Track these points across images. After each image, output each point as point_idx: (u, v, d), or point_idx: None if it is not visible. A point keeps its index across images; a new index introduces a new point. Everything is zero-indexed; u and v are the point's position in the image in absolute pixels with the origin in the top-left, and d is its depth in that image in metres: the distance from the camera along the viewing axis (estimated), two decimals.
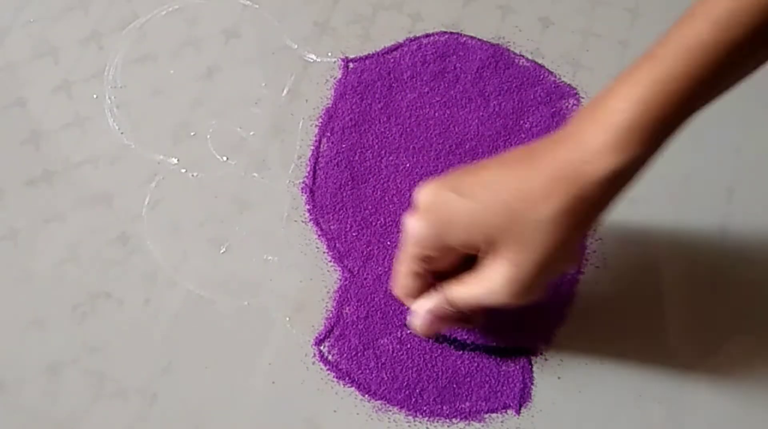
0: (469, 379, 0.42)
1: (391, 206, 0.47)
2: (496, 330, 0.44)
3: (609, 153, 0.31)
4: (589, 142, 0.32)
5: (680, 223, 0.47)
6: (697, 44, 0.31)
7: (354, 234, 0.46)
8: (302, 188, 0.48)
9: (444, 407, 0.42)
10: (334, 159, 0.49)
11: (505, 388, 0.42)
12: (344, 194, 0.48)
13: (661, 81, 0.31)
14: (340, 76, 0.52)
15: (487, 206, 0.33)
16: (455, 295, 0.37)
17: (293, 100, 0.51)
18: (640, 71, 0.32)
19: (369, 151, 0.49)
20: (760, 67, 0.33)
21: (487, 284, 0.34)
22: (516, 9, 0.54)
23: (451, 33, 0.53)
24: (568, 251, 0.34)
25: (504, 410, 0.42)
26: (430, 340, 0.43)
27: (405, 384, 0.42)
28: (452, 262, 0.37)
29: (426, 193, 0.35)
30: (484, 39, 0.53)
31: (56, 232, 0.46)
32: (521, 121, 0.50)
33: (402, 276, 0.38)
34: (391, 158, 0.49)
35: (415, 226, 0.35)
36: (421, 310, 0.38)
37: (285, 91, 0.51)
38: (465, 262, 0.37)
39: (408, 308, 0.43)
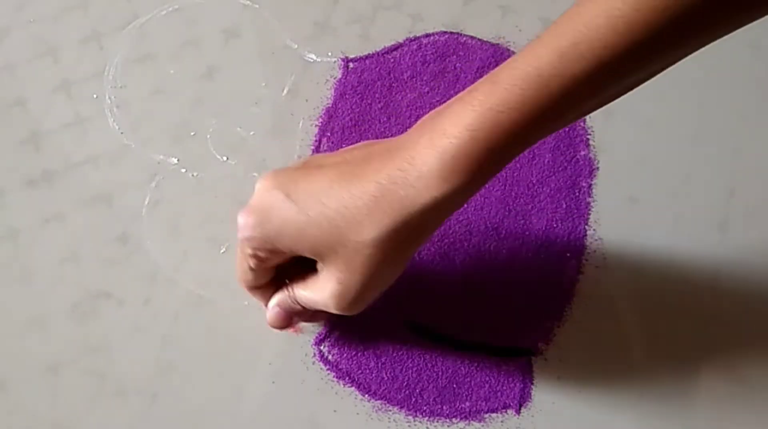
0: (469, 379, 0.42)
1: None
2: (496, 330, 0.44)
3: (434, 180, 0.30)
4: (416, 164, 0.31)
5: (680, 223, 0.47)
6: (535, 74, 0.28)
7: None
8: None
9: (444, 407, 0.42)
10: None
11: (505, 388, 0.42)
12: None
13: (493, 109, 0.29)
14: (340, 76, 0.52)
15: (313, 220, 0.32)
16: (299, 295, 0.37)
17: (293, 100, 0.51)
18: (477, 94, 0.30)
19: None
20: (604, 104, 0.32)
21: (320, 294, 0.35)
22: (516, 9, 0.54)
23: (451, 33, 0.53)
24: (393, 271, 0.34)
25: (504, 410, 0.42)
26: (430, 340, 0.43)
27: (405, 384, 0.42)
28: (289, 260, 0.37)
29: (262, 188, 0.34)
30: (484, 39, 0.53)
31: (56, 232, 0.46)
32: None
33: (239, 269, 0.38)
34: None
35: (243, 225, 0.34)
36: (271, 304, 0.39)
37: (285, 91, 0.51)
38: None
39: (407, 307, 0.43)
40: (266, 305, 0.40)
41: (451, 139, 0.30)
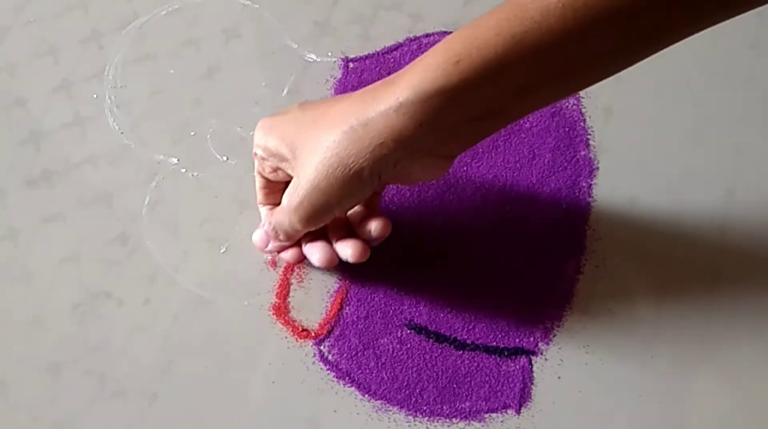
0: (469, 379, 0.42)
1: (390, 206, 0.47)
2: (496, 330, 0.44)
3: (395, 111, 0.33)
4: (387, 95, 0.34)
5: (680, 223, 0.47)
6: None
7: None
8: None
9: (444, 407, 0.42)
10: None
11: (505, 388, 0.42)
12: None
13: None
14: (340, 76, 0.52)
15: (297, 120, 0.37)
16: (273, 214, 0.41)
17: (293, 100, 0.51)
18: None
19: None
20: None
21: (283, 199, 0.39)
22: None
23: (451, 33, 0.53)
24: (348, 185, 0.35)
25: (504, 410, 0.42)
26: (430, 340, 0.43)
27: (405, 384, 0.42)
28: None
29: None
30: None
31: (56, 232, 0.46)
32: (521, 121, 0.50)
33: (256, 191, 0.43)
34: None
35: (255, 134, 0.40)
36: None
37: (285, 91, 0.51)
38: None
39: (407, 307, 0.43)
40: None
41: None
